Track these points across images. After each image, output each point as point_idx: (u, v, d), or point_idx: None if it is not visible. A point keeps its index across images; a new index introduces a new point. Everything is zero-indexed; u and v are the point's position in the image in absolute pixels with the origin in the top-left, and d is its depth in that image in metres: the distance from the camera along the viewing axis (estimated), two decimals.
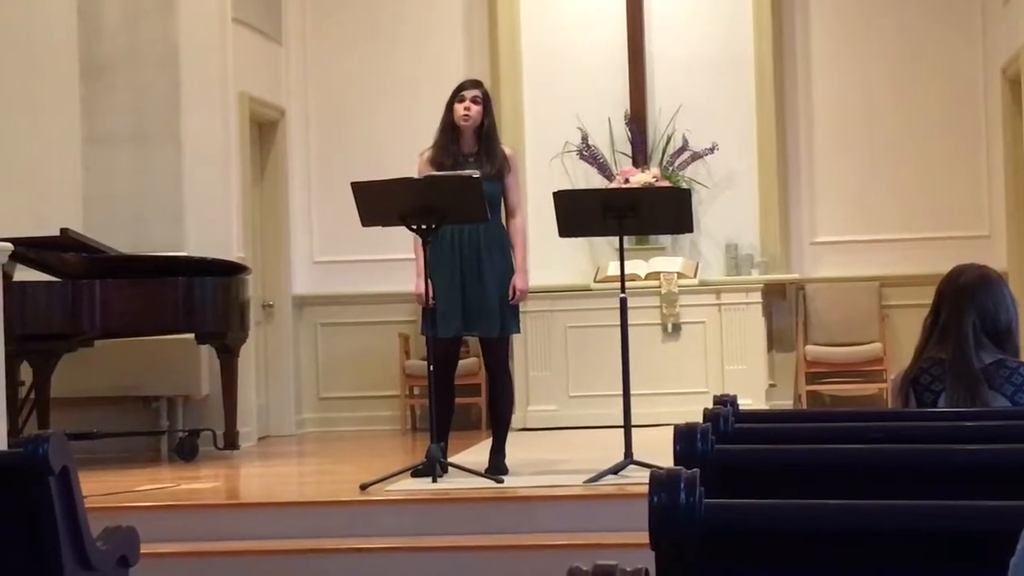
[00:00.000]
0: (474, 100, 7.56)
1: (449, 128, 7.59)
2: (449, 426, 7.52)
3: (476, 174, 7.31)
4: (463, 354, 7.95)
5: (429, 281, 7.39)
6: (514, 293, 7.50)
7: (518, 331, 7.80)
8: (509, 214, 7.64)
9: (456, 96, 7.60)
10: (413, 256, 7.56)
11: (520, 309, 7.75)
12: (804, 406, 10.66)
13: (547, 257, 10.90)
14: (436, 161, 7.54)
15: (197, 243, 9.66)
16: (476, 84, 7.70)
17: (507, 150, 7.74)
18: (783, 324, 11.14)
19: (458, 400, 8.70)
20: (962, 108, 11.06)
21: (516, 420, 10.32)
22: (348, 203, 7.42)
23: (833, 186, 11.18)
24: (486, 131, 7.60)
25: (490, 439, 7.74)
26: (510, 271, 7.53)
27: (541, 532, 6.51)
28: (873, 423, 3.77)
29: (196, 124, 9.85)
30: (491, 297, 7.44)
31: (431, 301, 7.38)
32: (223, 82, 10.02)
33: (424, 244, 7.26)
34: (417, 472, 7.30)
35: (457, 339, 7.56)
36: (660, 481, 2.31)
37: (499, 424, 7.65)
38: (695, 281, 10.65)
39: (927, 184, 11.05)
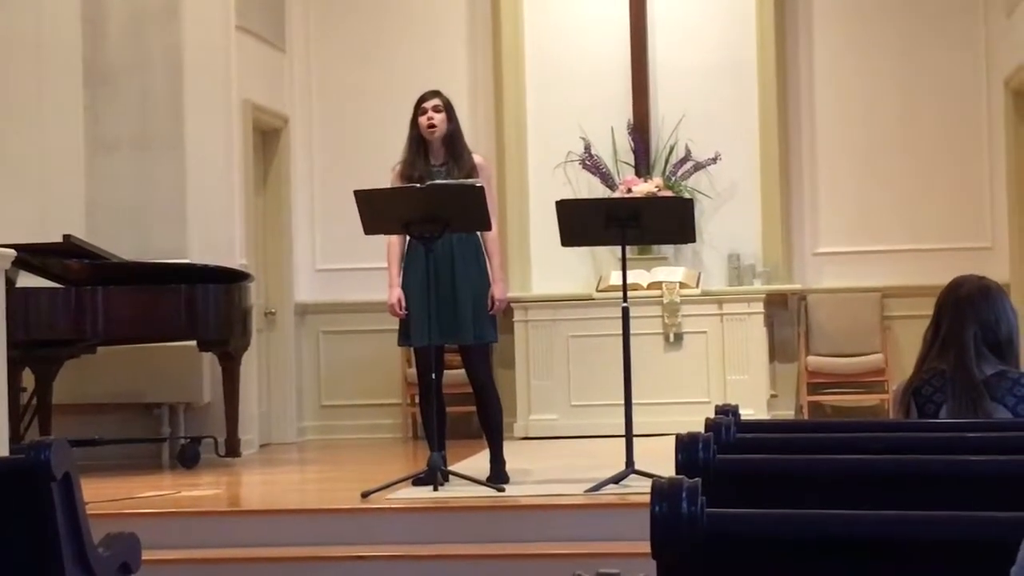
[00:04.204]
0: (435, 109, 7.59)
1: (415, 142, 7.62)
2: (444, 434, 7.51)
3: (479, 182, 7.33)
4: (455, 364, 7.96)
5: (401, 291, 7.45)
6: (492, 303, 7.52)
7: (495, 339, 7.76)
8: None
9: (418, 109, 7.63)
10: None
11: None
12: (806, 416, 10.66)
13: (549, 266, 10.93)
14: (405, 175, 7.57)
15: (200, 250, 9.66)
16: (435, 93, 7.71)
17: (478, 158, 7.75)
18: (785, 334, 11.14)
19: (458, 409, 8.70)
20: (965, 119, 11.07)
21: (517, 429, 10.35)
22: (351, 211, 7.42)
23: (835, 197, 11.19)
24: (452, 138, 7.62)
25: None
26: (485, 280, 7.53)
27: (542, 541, 6.51)
28: (875, 434, 3.77)
29: (199, 131, 9.86)
30: (463, 306, 7.45)
31: (403, 311, 7.44)
32: (226, 89, 10.03)
33: (427, 253, 7.27)
34: (418, 480, 7.30)
35: (438, 348, 7.53)
36: (662, 490, 2.31)
37: (491, 433, 7.65)
38: (697, 291, 10.66)
39: (929, 195, 11.06)
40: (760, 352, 10.61)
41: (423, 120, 7.58)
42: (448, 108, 7.65)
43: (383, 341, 10.92)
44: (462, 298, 7.45)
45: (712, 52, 11.15)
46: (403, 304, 7.49)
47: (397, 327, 7.69)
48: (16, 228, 8.63)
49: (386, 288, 7.67)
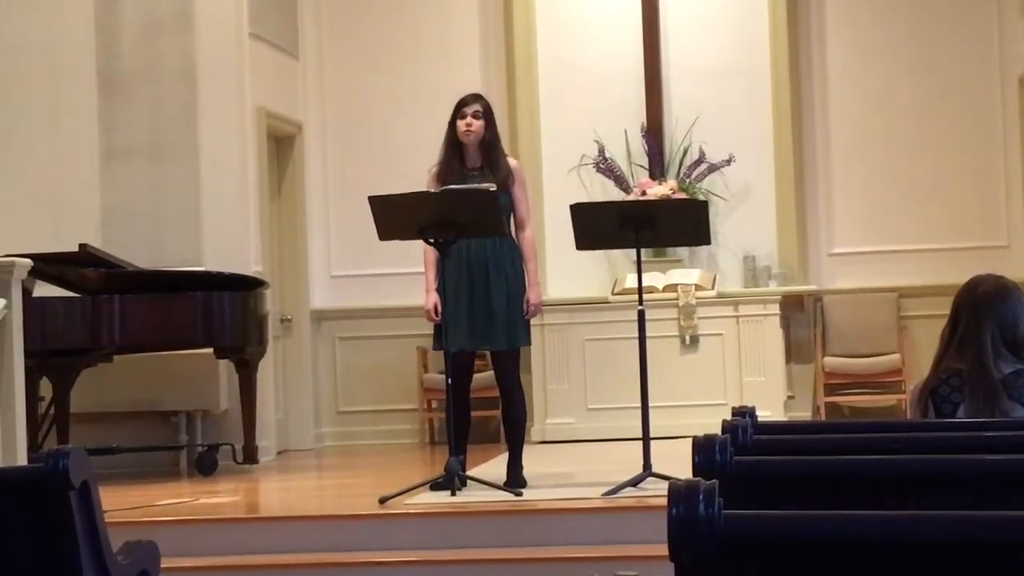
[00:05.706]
0: (475, 115, 7.57)
1: (452, 144, 7.61)
2: (466, 439, 7.52)
3: (493, 187, 7.33)
4: (480, 367, 7.93)
5: (437, 295, 7.45)
6: (527, 307, 7.51)
7: (528, 343, 7.77)
8: (518, 226, 7.61)
9: (457, 112, 7.62)
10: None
11: (532, 322, 7.74)
12: (823, 418, 10.64)
13: (565, 270, 10.92)
14: (441, 177, 7.56)
15: (215, 258, 9.68)
16: (476, 98, 7.70)
17: (512, 162, 7.75)
18: (801, 335, 11.13)
19: (476, 413, 8.69)
20: (979, 118, 11.05)
21: (535, 433, 10.34)
22: (365, 217, 7.43)
23: (850, 197, 11.17)
24: (489, 143, 7.61)
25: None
26: (520, 284, 7.52)
27: (560, 545, 6.51)
28: (892, 434, 3.77)
29: (213, 139, 9.87)
30: (498, 311, 7.45)
31: (438, 316, 7.43)
32: (240, 97, 10.05)
33: (443, 258, 7.28)
34: (436, 485, 7.30)
35: (469, 353, 7.55)
36: (679, 492, 2.31)
37: (513, 436, 7.65)
38: (713, 293, 10.65)
39: (944, 194, 11.04)
40: (776, 353, 10.59)
41: (461, 124, 7.58)
42: (488, 114, 7.63)
43: (400, 346, 10.94)
44: (496, 302, 7.44)
45: (725, 53, 11.14)
46: (439, 309, 7.47)
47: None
48: (31, 237, 8.66)
49: (422, 293, 7.67)
